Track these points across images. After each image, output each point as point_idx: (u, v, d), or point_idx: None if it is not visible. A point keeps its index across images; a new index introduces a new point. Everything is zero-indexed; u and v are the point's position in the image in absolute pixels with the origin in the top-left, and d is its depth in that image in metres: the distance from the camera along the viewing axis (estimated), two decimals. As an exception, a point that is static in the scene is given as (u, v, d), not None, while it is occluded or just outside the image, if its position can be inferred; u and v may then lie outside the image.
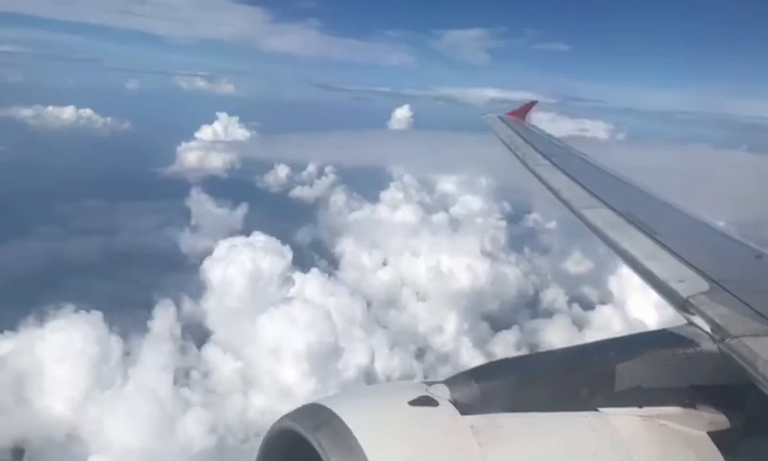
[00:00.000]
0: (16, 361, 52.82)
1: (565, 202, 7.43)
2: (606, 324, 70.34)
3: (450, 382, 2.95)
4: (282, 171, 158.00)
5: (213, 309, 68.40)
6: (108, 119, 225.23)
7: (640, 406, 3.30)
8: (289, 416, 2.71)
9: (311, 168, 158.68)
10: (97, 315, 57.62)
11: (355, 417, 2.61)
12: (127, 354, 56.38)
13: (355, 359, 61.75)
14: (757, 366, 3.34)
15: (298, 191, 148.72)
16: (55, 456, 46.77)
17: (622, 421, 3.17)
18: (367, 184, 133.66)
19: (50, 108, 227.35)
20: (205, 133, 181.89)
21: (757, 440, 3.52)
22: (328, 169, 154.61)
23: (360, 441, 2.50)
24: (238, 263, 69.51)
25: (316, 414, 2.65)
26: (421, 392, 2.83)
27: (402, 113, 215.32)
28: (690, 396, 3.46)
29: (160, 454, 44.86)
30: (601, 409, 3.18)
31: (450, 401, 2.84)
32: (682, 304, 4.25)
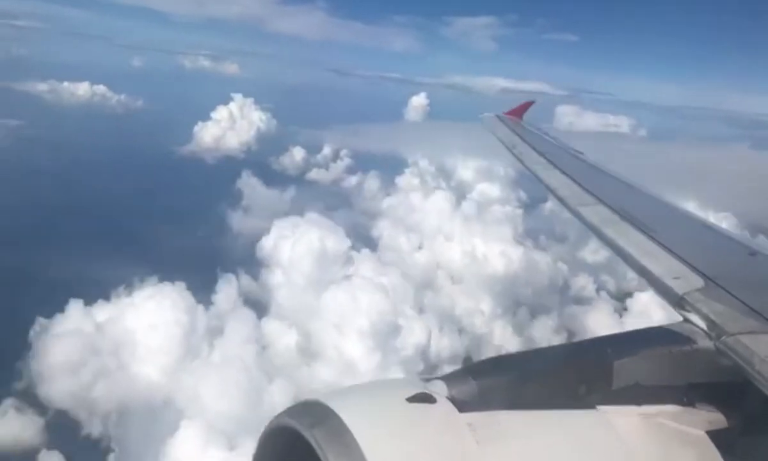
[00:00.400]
0: (111, 329, 56.81)
1: (560, 199, 7.38)
2: (644, 311, 66.58)
3: (447, 379, 2.84)
4: (298, 154, 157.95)
5: (274, 285, 70.37)
6: (122, 97, 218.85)
7: (638, 404, 3.18)
8: (287, 412, 2.61)
9: (326, 151, 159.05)
10: (180, 286, 62.01)
11: (352, 414, 2.52)
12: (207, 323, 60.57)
13: (412, 338, 63.79)
14: (754, 364, 3.21)
15: (315, 174, 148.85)
16: (151, 420, 48.34)
17: (621, 419, 3.05)
18: (382, 169, 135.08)
19: (65, 84, 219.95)
20: (221, 113, 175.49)
21: (755, 438, 3.37)
22: (343, 153, 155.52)
23: (357, 438, 2.42)
24: (297, 241, 72.09)
25: (314, 410, 2.56)
26: (419, 388, 2.73)
27: (418, 101, 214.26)
28: (688, 394, 3.33)
29: (249, 420, 44.96)
30: (599, 407, 3.06)
31: (447, 398, 2.73)
32: (677, 301, 4.11)
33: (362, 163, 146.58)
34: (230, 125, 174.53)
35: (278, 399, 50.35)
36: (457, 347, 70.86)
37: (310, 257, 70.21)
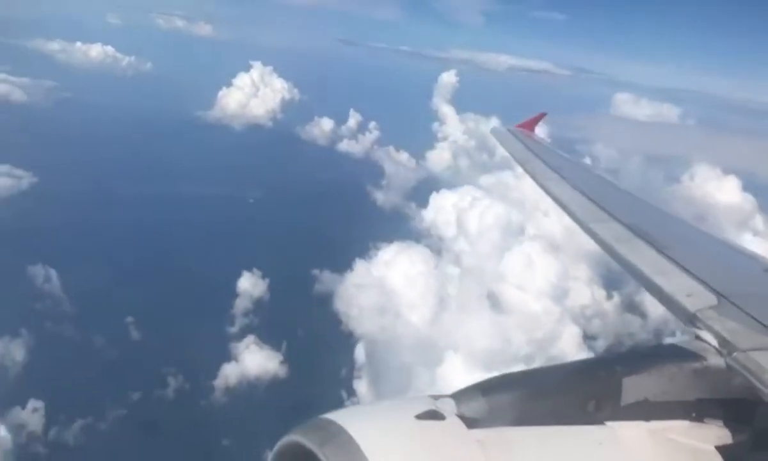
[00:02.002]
0: (371, 285, 70.94)
1: (573, 216, 7.31)
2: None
3: (457, 396, 2.84)
4: (326, 124, 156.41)
5: (460, 251, 78.95)
6: (132, 59, 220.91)
7: (647, 420, 3.16)
8: (298, 430, 2.63)
9: (351, 123, 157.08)
10: (420, 248, 76.67)
11: (362, 432, 2.53)
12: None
13: (580, 298, 71.68)
14: (764, 380, 3.18)
15: (345, 145, 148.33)
16: (422, 354, 59.26)
17: (630, 435, 3.06)
18: (412, 141, 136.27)
19: (78, 44, 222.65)
20: (243, 80, 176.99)
21: (764, 454, 3.36)
22: (372, 125, 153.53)
23: (367, 456, 2.43)
24: (468, 211, 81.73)
25: (324, 428, 2.58)
26: (428, 406, 2.73)
27: (449, 79, 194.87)
28: (697, 410, 3.31)
29: (497, 352, 58.33)
30: (608, 423, 3.05)
31: (457, 415, 2.74)
32: (689, 318, 4.08)
33: (390, 135, 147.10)
34: (253, 93, 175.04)
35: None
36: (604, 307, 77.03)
37: (489, 224, 78.37)
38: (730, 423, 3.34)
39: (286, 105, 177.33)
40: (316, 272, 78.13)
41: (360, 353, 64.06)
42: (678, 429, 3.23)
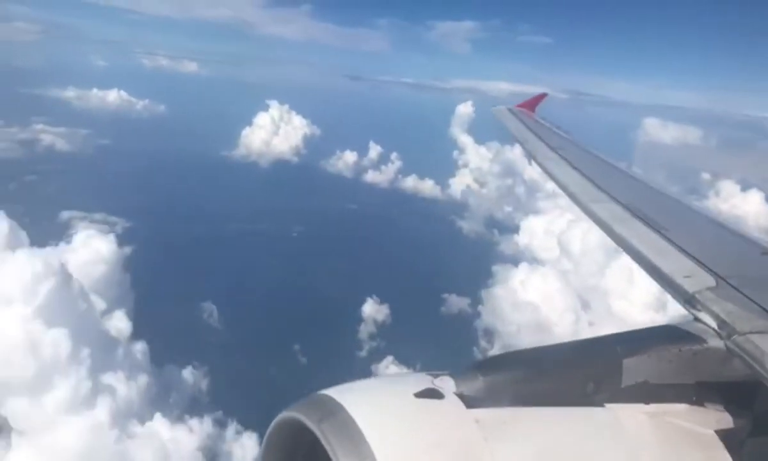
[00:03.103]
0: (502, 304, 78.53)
1: (572, 195, 7.26)
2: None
3: (456, 375, 2.83)
4: (349, 157, 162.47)
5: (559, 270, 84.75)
6: (146, 102, 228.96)
7: (647, 402, 3.16)
8: (295, 406, 2.59)
9: (372, 154, 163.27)
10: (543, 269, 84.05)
11: (360, 409, 2.51)
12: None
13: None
14: (764, 363, 3.18)
15: (371, 176, 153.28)
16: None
17: (629, 417, 3.05)
18: (434, 169, 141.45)
19: (94, 90, 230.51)
20: (263, 119, 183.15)
21: (764, 438, 3.34)
22: (393, 156, 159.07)
23: (365, 434, 2.42)
24: (561, 234, 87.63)
25: (322, 405, 2.55)
26: (427, 384, 2.73)
27: (465, 110, 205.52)
28: (697, 393, 3.31)
29: None
30: (607, 405, 3.05)
31: (456, 394, 2.73)
32: (688, 300, 4.07)
33: (412, 165, 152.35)
34: (275, 130, 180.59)
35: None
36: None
37: (588, 243, 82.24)
38: (730, 406, 3.32)
39: (307, 141, 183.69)
40: (444, 295, 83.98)
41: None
42: (678, 413, 3.22)
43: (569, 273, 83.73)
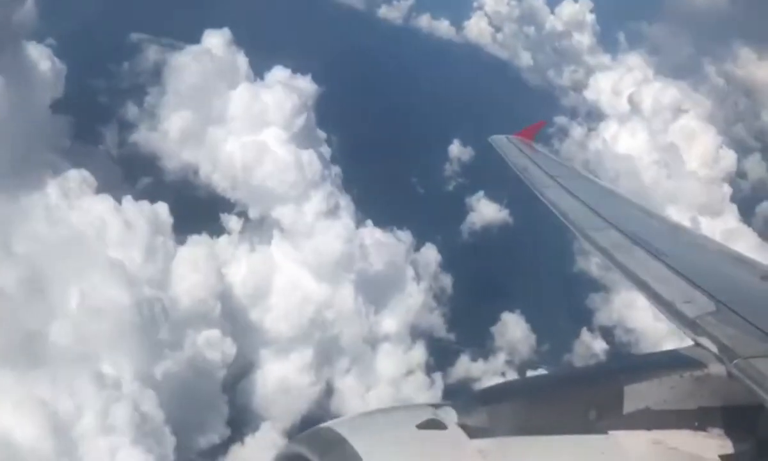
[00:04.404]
0: None
1: (571, 223, 7.28)
2: None
3: (457, 405, 2.79)
4: None
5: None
6: None
7: (649, 429, 3.12)
8: (298, 439, 2.57)
9: None
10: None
11: (363, 442, 2.48)
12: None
13: None
14: (767, 388, 3.13)
15: (384, 11, 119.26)
16: None
17: (632, 445, 3.01)
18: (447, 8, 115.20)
19: None
20: None
21: None
22: None
23: None
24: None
25: (325, 438, 2.52)
26: (429, 415, 2.68)
27: None
28: (699, 418, 3.27)
29: None
30: (610, 432, 3.01)
31: (458, 424, 2.69)
32: (689, 325, 4.02)
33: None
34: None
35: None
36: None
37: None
38: (733, 432, 3.28)
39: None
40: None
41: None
42: (681, 439, 3.19)
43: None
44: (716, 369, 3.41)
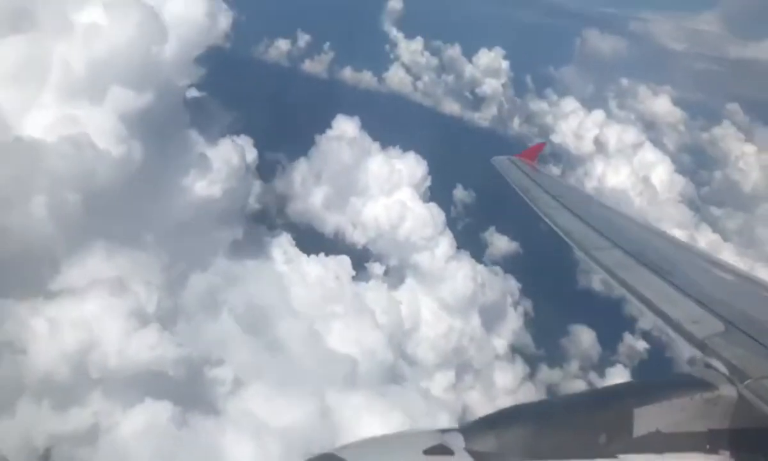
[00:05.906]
0: None
1: (576, 243, 7.22)
2: None
3: (465, 430, 2.78)
4: (282, 45, 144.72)
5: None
6: None
7: (660, 452, 3.10)
8: None
9: (301, 43, 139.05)
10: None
11: None
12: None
13: None
14: None
15: (308, 66, 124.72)
16: None
17: None
18: (368, 62, 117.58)
19: None
20: None
21: None
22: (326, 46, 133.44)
23: None
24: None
25: None
26: (436, 440, 2.67)
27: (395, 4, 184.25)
28: (710, 440, 3.25)
29: None
30: (620, 456, 2.99)
31: (465, 450, 2.67)
32: (698, 346, 3.99)
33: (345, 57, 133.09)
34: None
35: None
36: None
37: None
38: (744, 454, 3.25)
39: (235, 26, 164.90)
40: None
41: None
42: None
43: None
44: (726, 390, 3.37)
